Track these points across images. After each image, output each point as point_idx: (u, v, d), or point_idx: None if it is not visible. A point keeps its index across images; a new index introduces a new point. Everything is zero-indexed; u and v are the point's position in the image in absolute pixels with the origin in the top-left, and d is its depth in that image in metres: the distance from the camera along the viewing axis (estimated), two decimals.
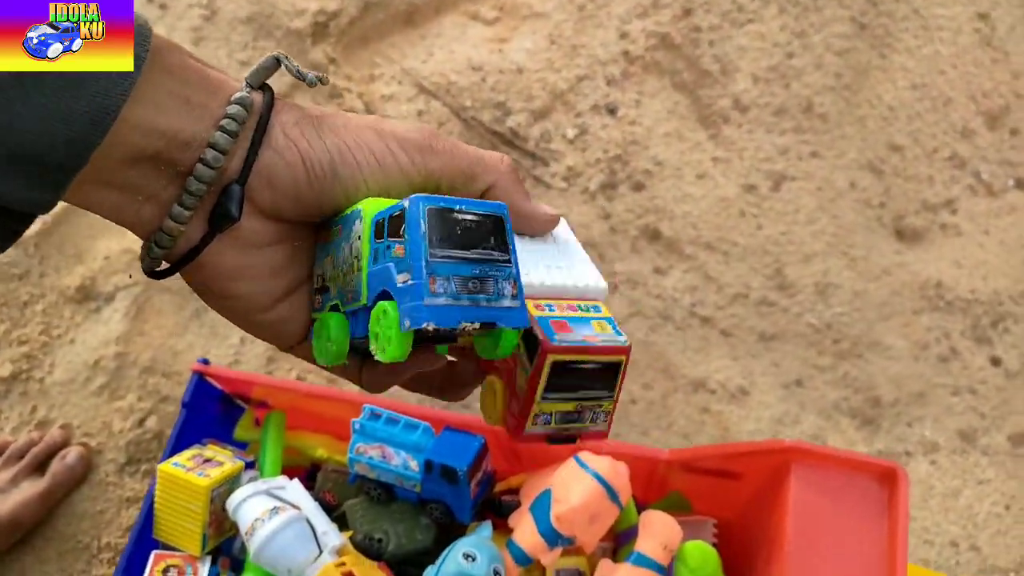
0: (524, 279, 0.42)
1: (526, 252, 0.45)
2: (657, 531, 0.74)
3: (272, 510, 0.73)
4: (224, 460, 0.81)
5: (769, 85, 1.54)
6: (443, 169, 0.42)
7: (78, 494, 1.25)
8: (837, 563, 0.62)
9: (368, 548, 0.79)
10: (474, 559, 0.71)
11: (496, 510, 0.84)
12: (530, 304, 0.42)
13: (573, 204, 1.53)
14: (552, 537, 0.74)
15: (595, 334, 0.42)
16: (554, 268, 0.46)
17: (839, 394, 1.37)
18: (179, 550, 0.80)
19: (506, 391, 0.45)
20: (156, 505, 0.81)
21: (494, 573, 0.71)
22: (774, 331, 1.43)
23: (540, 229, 0.46)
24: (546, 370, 0.41)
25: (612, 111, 1.56)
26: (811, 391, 1.38)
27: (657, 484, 0.85)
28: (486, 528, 0.77)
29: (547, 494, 0.77)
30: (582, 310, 0.44)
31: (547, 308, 0.43)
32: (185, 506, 0.78)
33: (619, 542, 0.80)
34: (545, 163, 1.54)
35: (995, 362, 1.39)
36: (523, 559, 0.75)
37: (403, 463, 0.79)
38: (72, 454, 1.23)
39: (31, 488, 1.18)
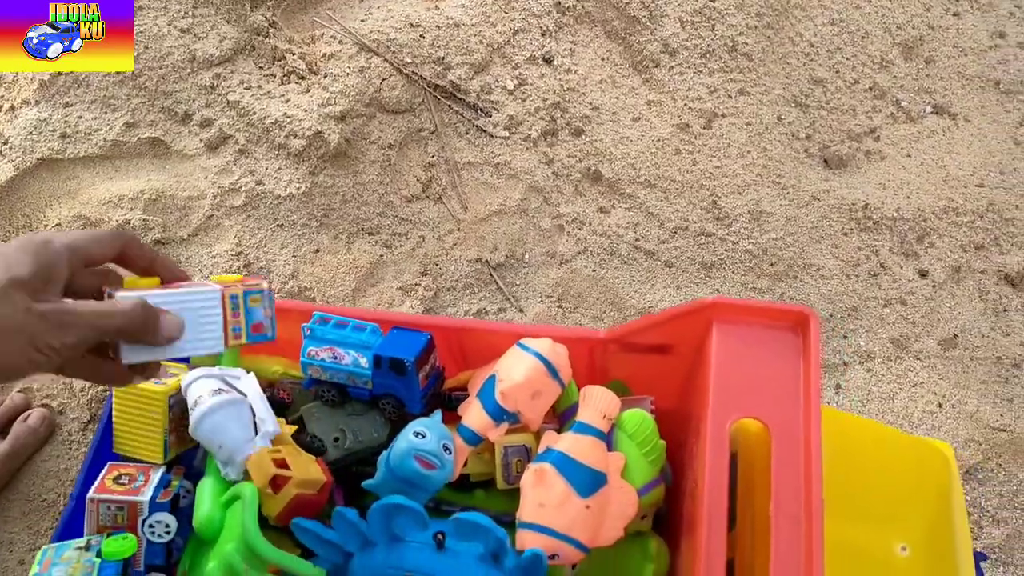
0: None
1: None
2: (596, 402, 0.79)
3: (217, 390, 0.77)
4: (179, 372, 0.84)
5: (696, 28, 1.61)
6: None
7: (42, 454, 1.26)
8: (757, 402, 0.67)
9: (311, 445, 0.82)
10: (424, 436, 0.75)
11: (446, 404, 0.88)
12: None
13: (516, 152, 1.58)
14: (498, 414, 0.79)
15: None
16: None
17: None
18: (141, 462, 0.83)
19: None
20: (115, 420, 0.83)
21: (443, 448, 0.75)
22: (713, 259, 1.49)
23: None
24: None
25: (548, 61, 1.61)
26: None
27: (599, 371, 0.90)
28: (436, 415, 0.81)
29: (492, 379, 0.82)
30: None
31: None
32: (144, 415, 0.81)
33: (562, 421, 0.84)
34: (487, 114, 1.58)
35: (922, 274, 1.46)
36: (473, 439, 0.79)
37: (353, 361, 0.82)
38: (34, 416, 1.25)
39: None
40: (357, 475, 0.83)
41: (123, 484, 0.79)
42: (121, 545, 0.73)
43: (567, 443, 0.76)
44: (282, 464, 0.74)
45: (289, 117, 1.50)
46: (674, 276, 1.48)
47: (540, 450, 0.77)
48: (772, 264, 1.48)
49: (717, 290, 1.46)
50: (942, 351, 1.39)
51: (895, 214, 1.51)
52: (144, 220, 1.43)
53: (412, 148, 1.59)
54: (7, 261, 0.47)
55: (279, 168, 1.53)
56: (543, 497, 0.71)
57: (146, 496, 0.78)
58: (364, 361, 0.82)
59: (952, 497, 0.81)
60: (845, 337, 1.41)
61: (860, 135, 1.60)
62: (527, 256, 1.51)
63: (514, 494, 0.77)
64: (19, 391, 1.29)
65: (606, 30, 1.63)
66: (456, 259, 1.49)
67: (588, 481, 0.73)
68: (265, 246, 1.47)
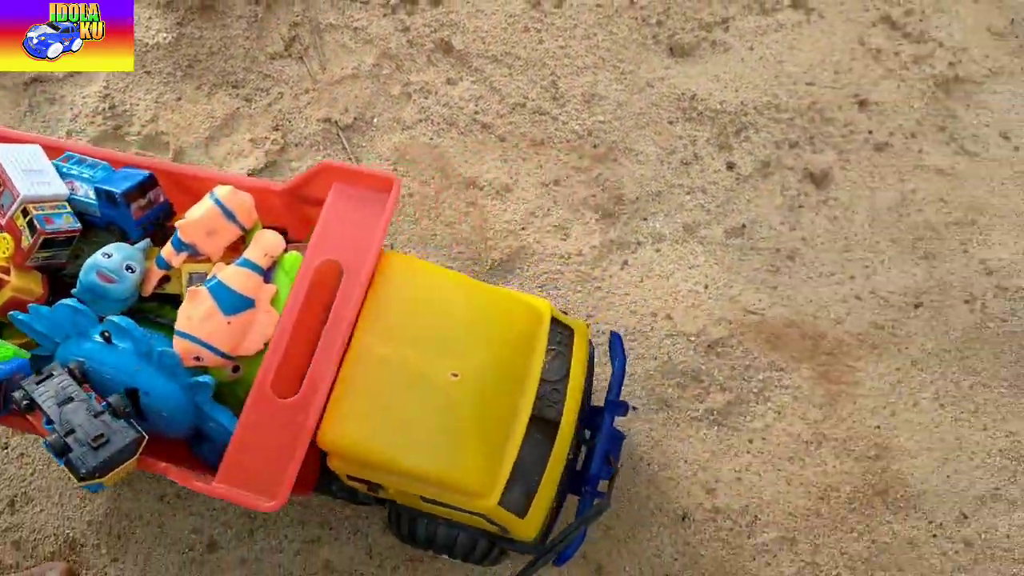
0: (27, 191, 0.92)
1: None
2: (263, 243, 0.98)
3: None
4: None
5: None
6: None
7: None
8: (340, 248, 0.87)
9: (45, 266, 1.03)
10: (110, 256, 0.95)
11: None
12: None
13: (375, 18, 1.67)
14: (178, 245, 0.98)
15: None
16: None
17: (589, 192, 1.56)
18: None
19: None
20: None
21: (125, 267, 0.95)
22: (543, 137, 1.60)
23: None
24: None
25: None
26: (565, 189, 1.57)
27: (274, 218, 1.08)
28: (145, 243, 1.00)
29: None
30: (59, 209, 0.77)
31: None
32: None
33: None
34: None
35: (730, 166, 1.56)
36: (161, 263, 1.00)
37: (84, 193, 1.01)
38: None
39: None
40: None
41: None
42: None
43: (226, 273, 0.95)
44: (5, 271, 0.95)
45: None
46: (504, 150, 1.60)
47: (207, 277, 0.97)
48: (595, 146, 1.58)
49: (540, 166, 1.58)
50: (725, 238, 1.51)
51: (719, 106, 1.59)
52: None
53: (280, 5, 1.68)
54: None
55: (150, 17, 1.65)
56: (191, 312, 0.92)
57: None
58: (91, 193, 1.00)
59: (533, 344, 0.98)
60: (645, 219, 1.54)
61: (711, 24, 1.65)
62: (375, 120, 1.63)
63: None
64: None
65: None
66: (308, 117, 1.62)
67: (234, 303, 0.93)
68: (131, 90, 1.62)
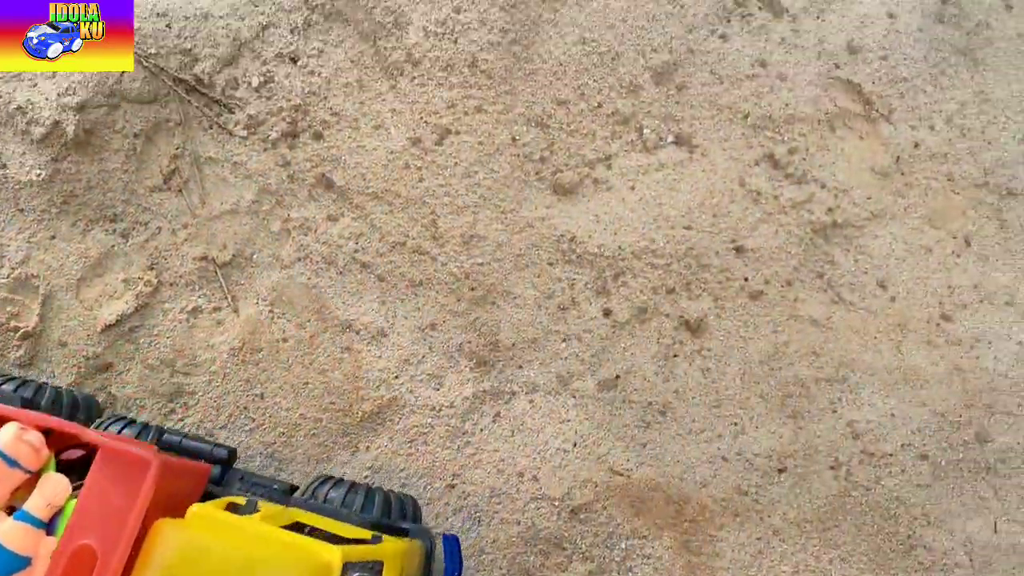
0: None
1: None
2: (46, 491, 0.95)
3: None
4: None
5: (439, 40, 1.60)
6: None
7: None
8: (99, 528, 0.85)
9: None
10: None
11: None
12: None
13: (255, 152, 1.65)
14: None
15: None
16: None
17: (465, 337, 1.55)
18: None
19: None
20: None
21: None
22: (422, 278, 1.59)
23: None
24: None
25: (295, 60, 1.63)
26: (442, 334, 1.55)
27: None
28: None
29: None
30: None
31: None
32: None
33: None
34: (230, 111, 1.63)
35: (607, 313, 1.55)
36: None
37: None
38: None
39: None
40: None
41: None
42: None
43: (2, 529, 0.93)
44: None
45: (32, 104, 1.57)
46: (382, 291, 1.58)
47: None
48: (472, 288, 1.57)
49: (419, 308, 1.57)
50: (597, 391, 1.50)
51: (597, 250, 1.58)
52: None
53: (160, 138, 1.66)
54: None
55: (23, 152, 1.62)
56: None
57: None
58: None
59: None
60: (520, 367, 1.53)
61: (594, 162, 1.63)
62: (255, 256, 1.61)
63: None
64: None
65: (358, 31, 1.63)
66: (184, 255, 1.60)
67: (8, 564, 0.91)
68: (3, 230, 1.59)
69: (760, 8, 1.65)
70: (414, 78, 1.63)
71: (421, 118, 1.62)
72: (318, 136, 1.64)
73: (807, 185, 1.61)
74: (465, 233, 1.60)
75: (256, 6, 1.64)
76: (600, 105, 1.63)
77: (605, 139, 1.64)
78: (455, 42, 1.61)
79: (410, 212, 1.61)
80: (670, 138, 1.65)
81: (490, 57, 1.60)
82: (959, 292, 1.54)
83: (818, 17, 1.66)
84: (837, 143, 1.64)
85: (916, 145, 1.63)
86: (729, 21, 1.65)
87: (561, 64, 1.63)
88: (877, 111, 1.63)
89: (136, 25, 1.61)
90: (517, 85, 1.63)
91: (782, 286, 1.55)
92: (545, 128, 1.63)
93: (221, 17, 1.63)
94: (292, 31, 1.63)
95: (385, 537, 1.09)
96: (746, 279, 1.56)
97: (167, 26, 1.61)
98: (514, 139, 1.63)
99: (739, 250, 1.57)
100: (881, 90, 1.63)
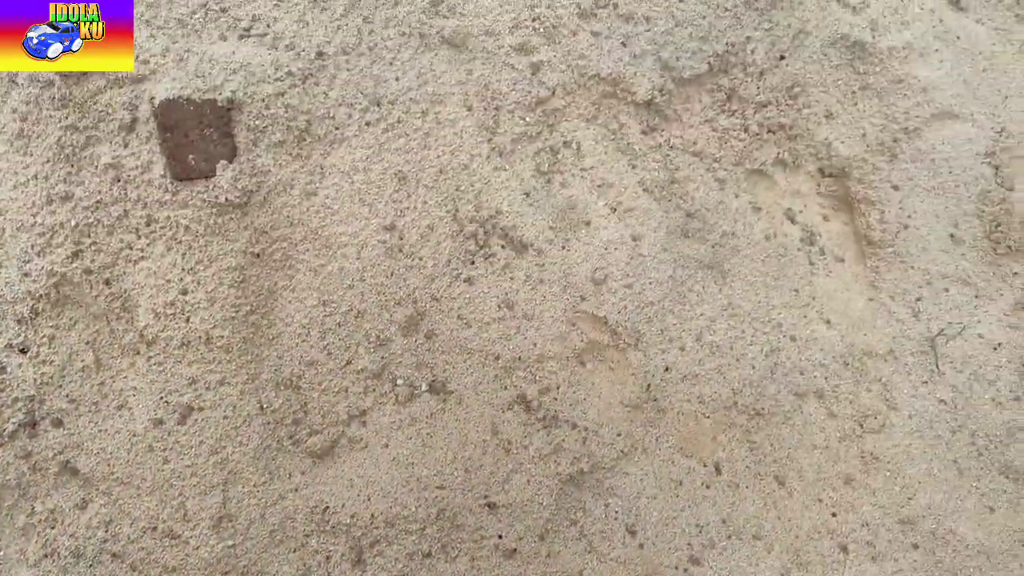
0: None
1: None
2: None
3: None
4: None
5: (171, 320, 1.57)
6: None
7: None
8: None
9: None
10: None
11: None
12: None
13: None
14: None
15: None
16: None
17: None
18: None
19: None
20: None
21: None
22: (175, 564, 1.55)
23: None
24: None
25: (24, 351, 1.58)
26: None
27: None
28: None
29: None
30: None
31: None
32: None
33: None
34: None
35: None
36: None
37: None
38: None
39: None
40: None
41: None
42: None
43: None
44: None
45: None
46: None
47: None
48: (225, 573, 1.54)
49: None
50: None
51: (350, 520, 1.56)
52: None
53: None
54: None
55: None
56: None
57: None
58: None
59: None
60: None
61: (349, 420, 1.62)
62: (1, 554, 1.55)
63: None
64: None
65: (91, 312, 1.59)
66: None
67: None
68: None
69: (503, 247, 1.66)
70: (150, 357, 1.59)
71: (161, 398, 1.59)
72: (58, 423, 1.59)
73: (558, 429, 1.61)
74: (215, 514, 1.56)
75: None
76: (350, 362, 1.62)
77: (358, 395, 1.63)
78: (187, 320, 1.58)
79: (159, 495, 1.58)
80: (424, 386, 1.64)
81: (225, 333, 1.58)
82: (707, 530, 1.57)
83: (563, 247, 1.67)
84: (588, 377, 1.65)
85: (667, 369, 1.66)
86: (473, 263, 1.65)
87: (304, 327, 1.61)
88: (624, 341, 1.65)
89: None
90: (262, 351, 1.60)
91: (535, 541, 1.56)
92: (297, 389, 1.61)
93: None
94: (19, 322, 1.58)
95: None
96: (500, 536, 1.56)
97: None
98: (263, 407, 1.60)
99: (491, 506, 1.57)
100: (627, 319, 1.65)
